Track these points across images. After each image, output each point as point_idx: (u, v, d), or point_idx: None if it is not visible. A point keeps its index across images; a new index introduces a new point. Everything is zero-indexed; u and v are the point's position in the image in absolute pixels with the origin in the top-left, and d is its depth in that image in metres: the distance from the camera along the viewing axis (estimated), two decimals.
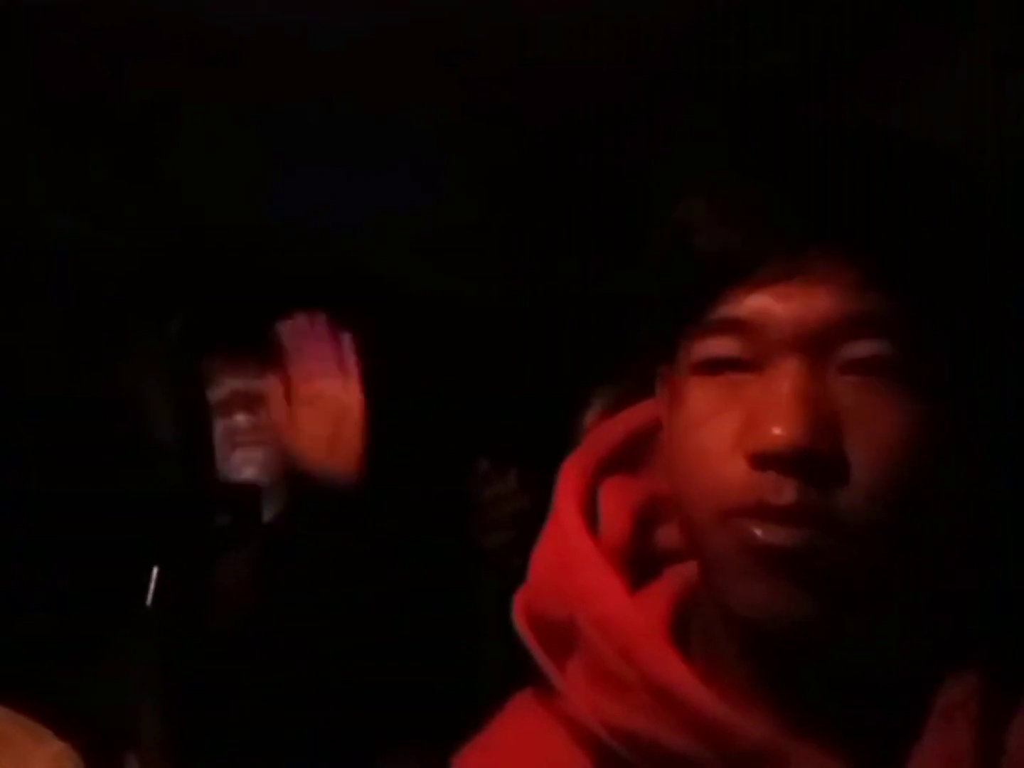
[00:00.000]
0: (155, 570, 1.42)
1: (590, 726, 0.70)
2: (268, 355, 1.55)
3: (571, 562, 0.73)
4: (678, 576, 0.75)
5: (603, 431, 0.80)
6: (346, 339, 1.49)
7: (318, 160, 1.64)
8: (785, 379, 0.63)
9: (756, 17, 1.42)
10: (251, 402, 1.65)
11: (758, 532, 0.62)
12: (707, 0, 1.42)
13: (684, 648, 0.70)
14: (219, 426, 1.64)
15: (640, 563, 0.74)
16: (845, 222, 0.64)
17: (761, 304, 0.64)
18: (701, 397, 0.66)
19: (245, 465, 1.65)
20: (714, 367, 0.66)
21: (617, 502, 0.76)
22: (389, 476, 1.64)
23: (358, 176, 1.68)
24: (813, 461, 0.62)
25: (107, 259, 1.66)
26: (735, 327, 0.65)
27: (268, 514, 1.62)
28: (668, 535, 0.76)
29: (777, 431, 0.62)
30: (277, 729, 1.38)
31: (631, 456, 0.78)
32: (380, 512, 1.56)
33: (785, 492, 0.62)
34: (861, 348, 0.63)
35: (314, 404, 1.47)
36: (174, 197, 1.71)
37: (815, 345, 0.63)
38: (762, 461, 0.62)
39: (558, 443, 1.35)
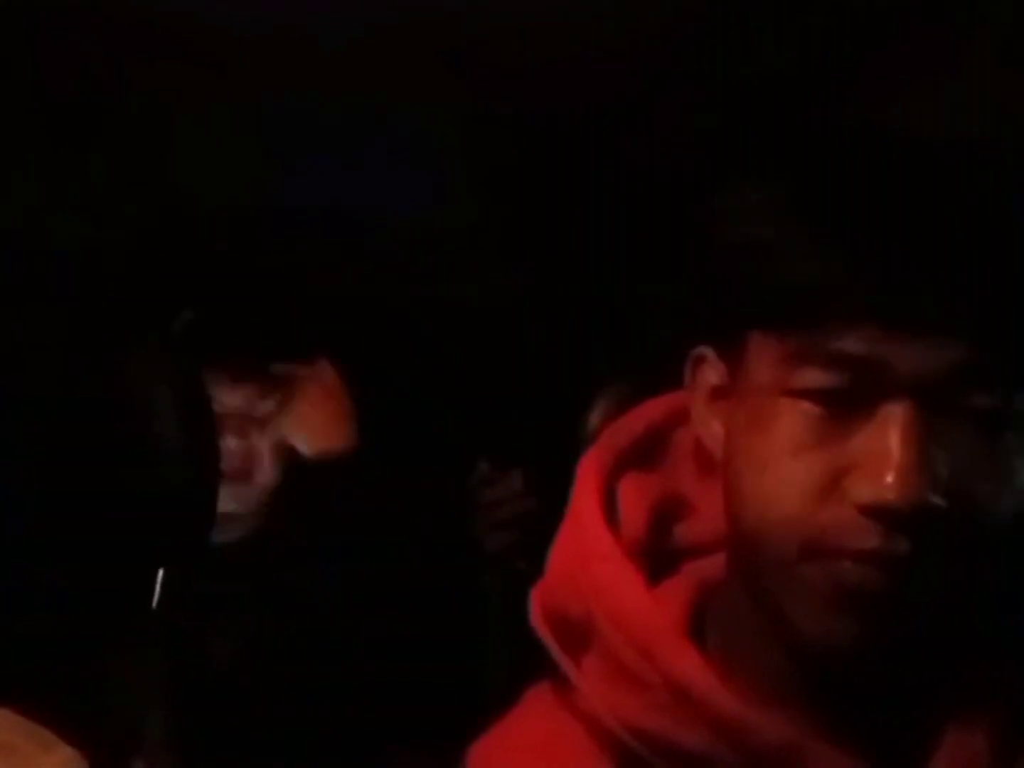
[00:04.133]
0: (160, 572, 1.41)
1: (607, 723, 0.70)
2: (268, 374, 1.57)
3: (589, 556, 0.73)
4: (696, 573, 0.74)
5: (620, 427, 0.79)
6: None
7: (319, 160, 1.64)
8: (902, 426, 0.61)
9: (756, 17, 1.43)
10: (245, 425, 1.55)
11: (859, 575, 0.61)
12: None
13: (701, 645, 0.70)
14: None
15: (658, 559, 0.74)
16: (969, 264, 0.61)
17: (879, 343, 0.61)
18: (795, 425, 0.63)
19: (226, 496, 1.57)
20: (813, 396, 0.63)
21: (636, 498, 0.75)
22: (391, 478, 1.64)
23: (358, 176, 1.68)
24: (931, 515, 0.61)
25: (107, 258, 1.65)
26: (846, 361, 0.62)
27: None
28: (685, 532, 0.76)
29: (892, 482, 0.60)
30: (283, 731, 1.38)
31: (649, 452, 0.77)
32: (381, 511, 1.57)
33: (897, 543, 0.61)
34: (979, 400, 0.62)
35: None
36: (174, 196, 1.71)
37: (933, 392, 0.61)
38: (874, 512, 0.61)
39: (561, 444, 1.35)
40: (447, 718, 0.91)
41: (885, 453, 0.61)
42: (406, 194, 1.69)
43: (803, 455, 0.63)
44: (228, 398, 1.57)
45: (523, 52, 1.50)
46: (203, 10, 1.43)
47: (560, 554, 0.76)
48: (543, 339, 1.72)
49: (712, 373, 0.71)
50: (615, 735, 0.69)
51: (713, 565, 0.74)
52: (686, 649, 0.68)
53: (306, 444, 1.61)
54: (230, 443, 1.55)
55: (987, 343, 0.61)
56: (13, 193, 1.53)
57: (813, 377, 0.63)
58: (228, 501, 1.56)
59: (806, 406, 0.63)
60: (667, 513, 0.76)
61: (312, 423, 1.62)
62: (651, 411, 0.79)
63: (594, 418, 1.32)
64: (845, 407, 0.62)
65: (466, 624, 1.51)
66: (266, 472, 1.59)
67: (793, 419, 0.63)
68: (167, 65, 1.50)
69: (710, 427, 0.71)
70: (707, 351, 0.71)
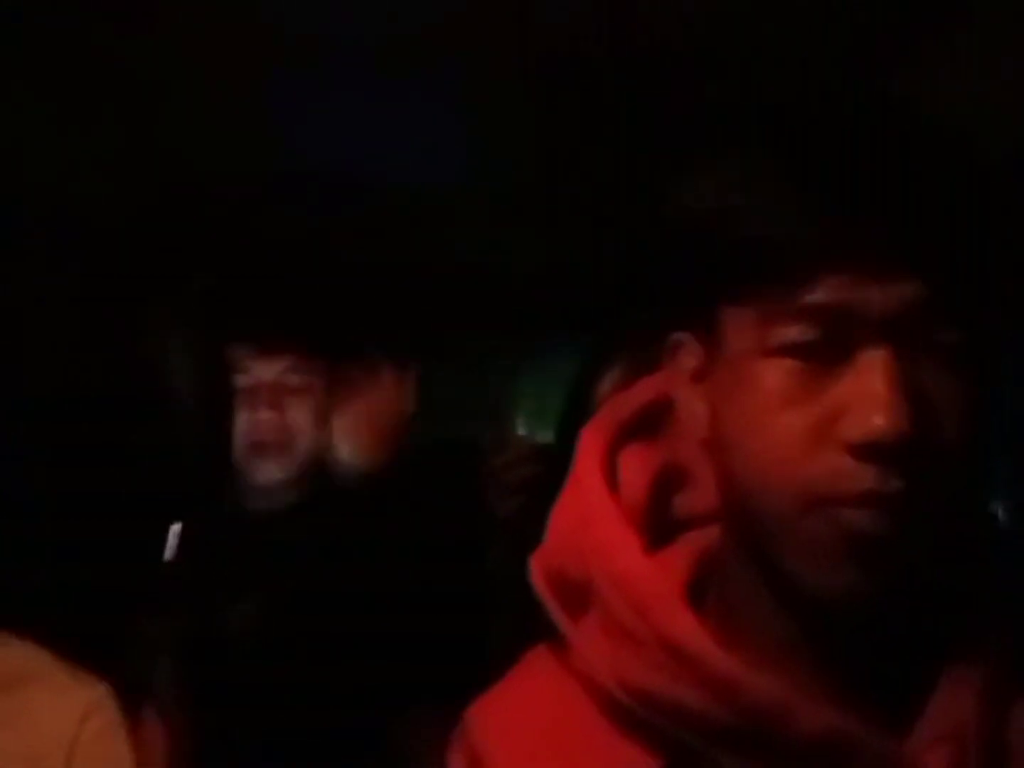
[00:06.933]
0: (176, 527, 1.43)
1: (604, 682, 0.72)
2: (302, 349, 1.59)
3: (590, 520, 0.75)
4: (693, 542, 0.76)
5: (623, 399, 0.81)
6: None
7: (337, 129, 1.64)
8: (879, 367, 0.63)
9: None
10: (278, 397, 1.58)
11: (859, 520, 0.63)
12: None
13: (699, 609, 0.72)
14: (241, 418, 1.56)
15: (656, 528, 0.76)
16: (922, 208, 0.64)
17: (846, 290, 0.64)
18: (778, 381, 0.65)
19: (263, 465, 1.58)
20: (791, 351, 0.65)
21: (636, 468, 0.77)
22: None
23: (372, 149, 1.68)
24: (915, 449, 0.62)
25: (119, 225, 1.66)
26: (818, 313, 0.64)
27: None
28: (685, 502, 0.78)
29: (880, 421, 0.62)
30: (291, 689, 1.40)
31: (649, 424, 0.79)
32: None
33: (891, 480, 0.63)
34: (944, 335, 0.64)
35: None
36: (187, 163, 1.71)
37: (902, 332, 0.64)
38: (865, 451, 0.63)
39: (570, 413, 1.37)
40: (455, 681, 0.92)
41: (871, 395, 0.63)
42: (423, 163, 1.69)
43: (790, 409, 0.65)
44: (263, 371, 1.59)
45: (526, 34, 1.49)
46: None
47: (561, 517, 0.78)
48: (552, 305, 1.73)
49: (690, 357, 0.73)
50: (612, 693, 0.71)
51: (711, 535, 0.76)
52: (681, 610, 0.70)
53: (347, 454, 1.64)
54: (263, 415, 1.57)
55: (947, 281, 0.64)
56: (23, 163, 1.53)
57: (789, 333, 0.65)
58: (273, 471, 1.59)
59: (787, 362, 0.65)
60: (667, 483, 0.78)
61: (358, 438, 1.66)
62: (655, 384, 0.81)
63: (604, 387, 1.33)
64: (823, 357, 0.65)
65: (474, 590, 1.53)
66: (305, 440, 1.61)
67: (776, 376, 0.65)
68: (178, 23, 1.49)
69: (693, 408, 0.72)
70: (683, 336, 0.73)
